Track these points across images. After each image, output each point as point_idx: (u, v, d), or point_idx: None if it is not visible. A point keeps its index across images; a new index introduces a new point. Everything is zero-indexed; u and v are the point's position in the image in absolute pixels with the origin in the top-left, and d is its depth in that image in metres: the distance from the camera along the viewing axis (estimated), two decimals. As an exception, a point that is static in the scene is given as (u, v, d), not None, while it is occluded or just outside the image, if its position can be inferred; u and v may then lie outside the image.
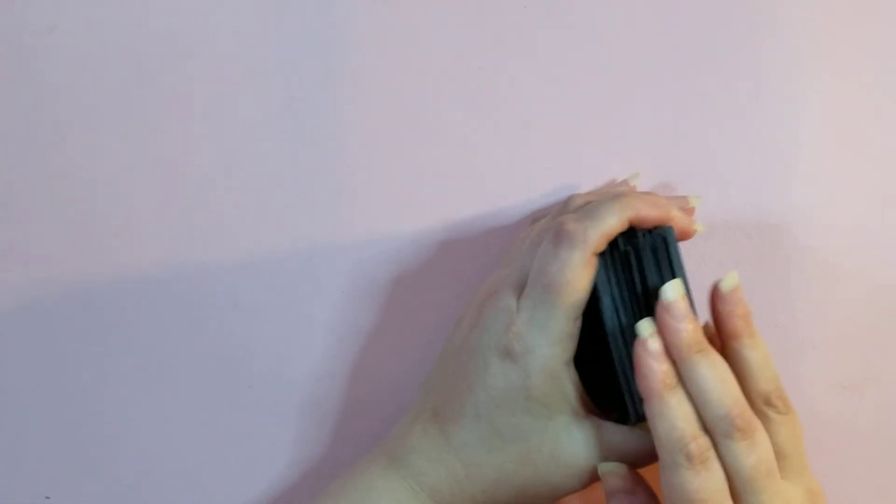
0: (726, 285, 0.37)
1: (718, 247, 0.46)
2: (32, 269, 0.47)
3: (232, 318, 0.47)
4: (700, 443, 0.35)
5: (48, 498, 0.47)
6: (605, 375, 0.39)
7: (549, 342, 0.37)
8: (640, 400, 0.37)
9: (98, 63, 0.46)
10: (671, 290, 0.36)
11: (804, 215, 0.46)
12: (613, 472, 0.38)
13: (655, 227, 0.39)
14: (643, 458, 0.39)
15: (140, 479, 0.47)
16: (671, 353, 0.36)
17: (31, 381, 0.47)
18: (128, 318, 0.47)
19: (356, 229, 0.47)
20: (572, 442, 0.38)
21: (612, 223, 0.37)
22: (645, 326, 0.36)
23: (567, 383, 0.38)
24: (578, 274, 0.37)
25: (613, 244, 0.38)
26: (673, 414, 0.35)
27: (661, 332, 0.36)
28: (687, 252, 0.46)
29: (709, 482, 0.35)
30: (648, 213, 0.38)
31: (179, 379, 0.47)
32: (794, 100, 0.46)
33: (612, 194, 0.39)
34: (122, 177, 0.47)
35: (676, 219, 0.39)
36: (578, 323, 0.38)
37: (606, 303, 0.38)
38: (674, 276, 0.38)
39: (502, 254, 0.45)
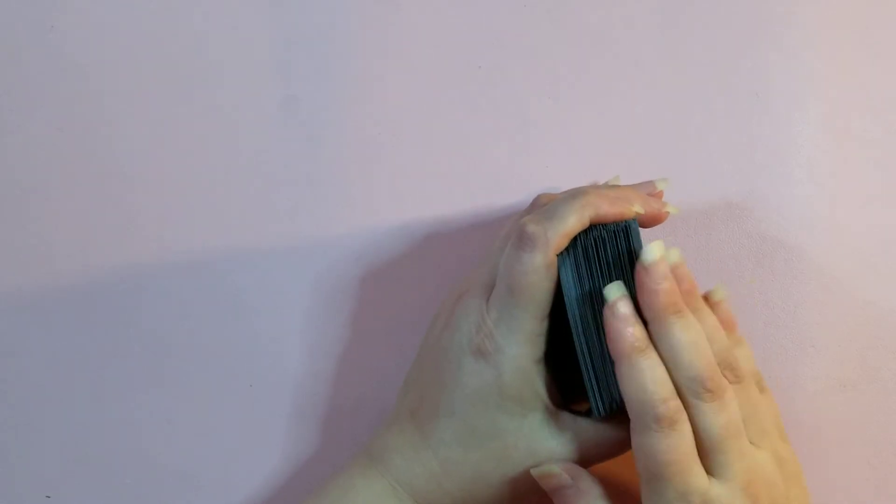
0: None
1: (718, 247, 0.46)
2: (32, 269, 0.47)
3: (232, 317, 0.47)
4: (670, 405, 0.35)
5: (48, 497, 0.47)
6: (576, 371, 0.39)
7: (518, 342, 0.37)
8: (605, 393, 0.37)
9: (98, 62, 0.46)
10: (651, 253, 0.36)
11: (804, 215, 0.46)
12: (546, 472, 0.38)
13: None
14: (618, 448, 0.39)
15: (140, 478, 0.47)
16: (645, 315, 0.36)
17: (30, 380, 0.47)
18: (127, 318, 0.47)
19: (356, 229, 0.47)
20: (547, 438, 0.39)
21: (571, 223, 0.38)
22: (613, 290, 0.37)
23: (538, 381, 0.38)
24: (540, 276, 0.37)
25: (575, 239, 0.38)
26: (643, 377, 0.36)
27: (639, 293, 0.36)
28: (687, 252, 0.46)
29: (677, 443, 0.35)
30: (608, 210, 0.38)
31: (179, 378, 0.47)
32: (795, 100, 0.46)
33: (573, 192, 0.39)
34: (122, 176, 0.47)
35: (644, 207, 0.39)
36: (546, 322, 0.38)
37: (569, 298, 0.38)
38: (632, 268, 0.38)
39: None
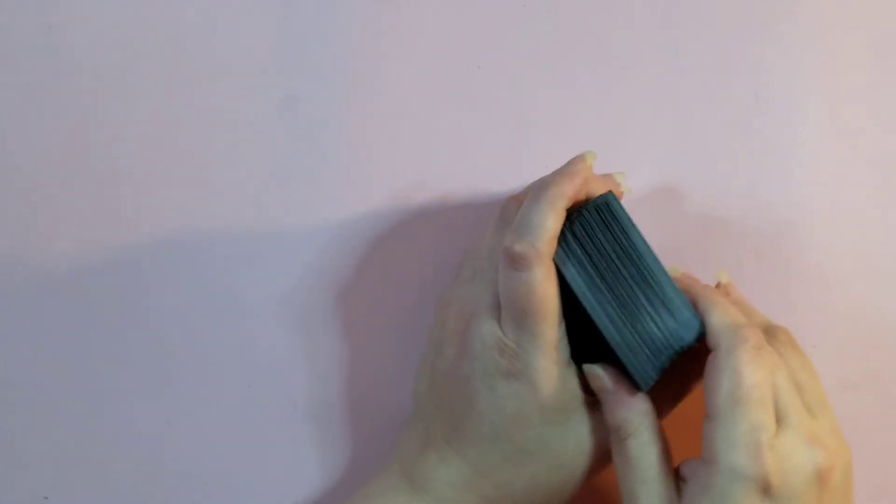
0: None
1: (718, 247, 0.46)
2: (31, 269, 0.47)
3: (230, 318, 0.47)
4: (756, 330, 0.36)
5: (46, 498, 0.47)
6: (601, 354, 0.39)
7: (545, 353, 0.38)
8: (646, 364, 0.38)
9: (97, 61, 0.46)
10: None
11: (804, 215, 0.46)
12: (592, 372, 0.39)
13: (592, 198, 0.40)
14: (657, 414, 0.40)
15: (139, 478, 0.47)
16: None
17: (30, 380, 0.47)
18: (126, 318, 0.47)
19: (356, 229, 0.47)
20: (593, 430, 0.39)
21: (551, 225, 0.38)
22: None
23: (573, 382, 0.39)
24: (546, 288, 0.37)
25: (562, 232, 0.39)
26: (725, 305, 0.38)
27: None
28: (687, 253, 0.46)
29: (765, 371, 0.35)
30: (576, 190, 0.39)
31: (178, 379, 0.47)
32: (795, 100, 0.46)
33: (536, 192, 0.39)
34: (122, 176, 0.47)
35: (601, 182, 0.40)
36: (563, 324, 0.39)
37: (580, 289, 0.38)
38: (627, 236, 0.38)
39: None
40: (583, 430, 0.39)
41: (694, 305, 0.38)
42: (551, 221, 0.38)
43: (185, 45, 0.46)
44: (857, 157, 0.46)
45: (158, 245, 0.47)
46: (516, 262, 0.37)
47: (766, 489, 0.34)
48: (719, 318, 0.37)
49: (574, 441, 0.39)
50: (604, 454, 0.39)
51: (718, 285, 0.42)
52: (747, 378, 0.35)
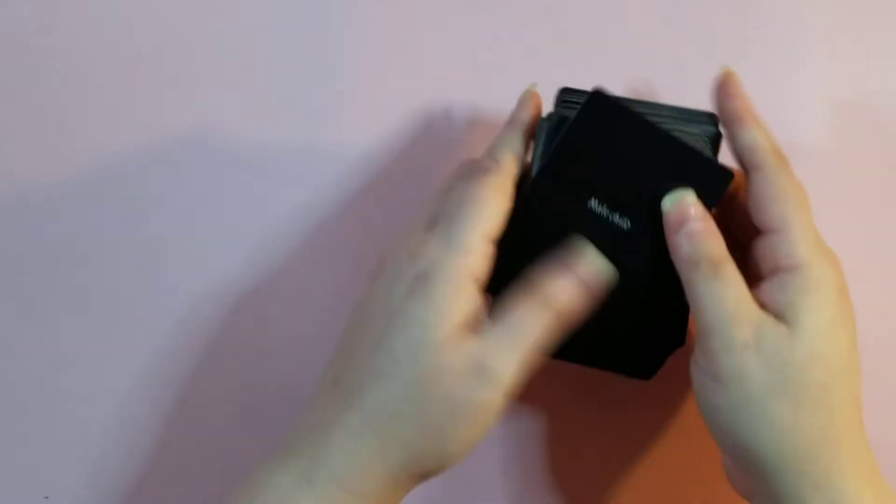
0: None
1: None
2: (34, 272, 0.47)
3: (232, 319, 0.47)
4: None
5: (47, 498, 0.47)
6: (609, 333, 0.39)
7: (457, 253, 0.35)
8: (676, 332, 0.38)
9: (97, 62, 0.46)
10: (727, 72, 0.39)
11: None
12: (683, 198, 0.37)
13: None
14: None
15: (140, 479, 0.47)
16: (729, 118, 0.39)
17: (30, 381, 0.47)
18: (127, 319, 0.47)
19: (357, 229, 0.47)
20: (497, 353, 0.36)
21: (516, 144, 0.39)
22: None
23: (470, 301, 0.36)
24: (492, 194, 0.37)
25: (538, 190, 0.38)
26: (761, 124, 0.38)
27: (722, 98, 0.39)
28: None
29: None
30: (533, 115, 0.40)
31: (178, 381, 0.47)
32: (794, 100, 0.46)
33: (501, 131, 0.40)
34: (121, 177, 0.47)
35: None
36: (492, 248, 0.36)
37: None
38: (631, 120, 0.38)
39: None
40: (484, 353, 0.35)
41: (733, 122, 0.38)
42: (517, 141, 0.39)
43: (184, 46, 0.46)
44: (857, 156, 0.46)
45: (155, 245, 0.47)
46: (473, 170, 0.37)
47: (842, 286, 0.36)
48: (763, 137, 0.38)
49: (473, 368, 0.35)
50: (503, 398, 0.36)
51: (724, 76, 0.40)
52: (801, 192, 0.37)
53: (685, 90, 0.42)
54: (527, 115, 0.40)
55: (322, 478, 0.35)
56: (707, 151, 0.39)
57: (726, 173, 0.38)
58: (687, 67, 0.46)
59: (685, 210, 0.37)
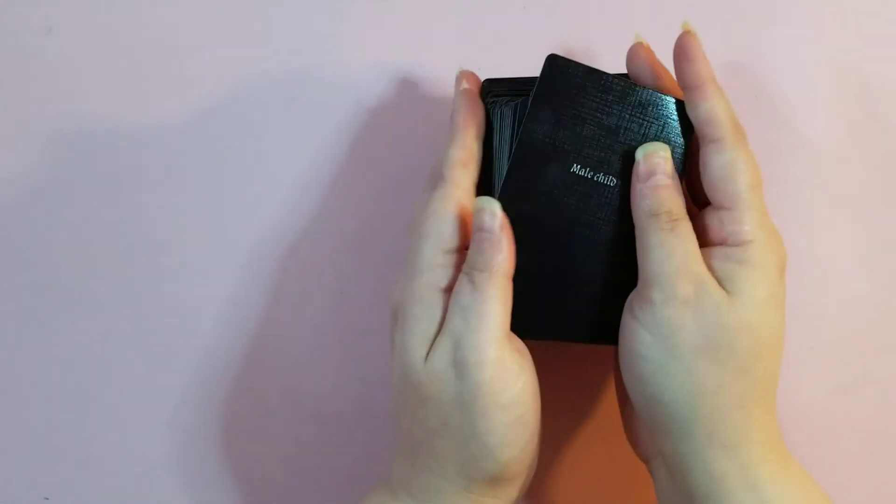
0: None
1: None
2: (33, 273, 0.47)
3: (232, 320, 0.47)
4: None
5: (47, 499, 0.47)
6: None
7: (418, 275, 0.37)
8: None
9: (97, 63, 0.46)
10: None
11: (803, 216, 0.46)
12: (655, 151, 0.38)
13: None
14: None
15: (140, 481, 0.47)
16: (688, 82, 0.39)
17: (30, 382, 0.47)
18: (127, 321, 0.47)
19: (356, 233, 0.47)
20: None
21: (459, 152, 0.40)
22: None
23: (436, 309, 0.37)
24: (439, 206, 0.38)
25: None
26: (722, 95, 0.38)
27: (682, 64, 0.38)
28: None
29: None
30: (474, 82, 0.41)
31: (178, 383, 0.47)
32: (794, 100, 0.46)
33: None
34: (121, 179, 0.47)
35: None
36: (451, 256, 0.38)
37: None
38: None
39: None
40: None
41: (691, 89, 0.38)
42: (458, 151, 0.40)
43: (183, 47, 0.46)
44: (857, 158, 0.46)
45: (156, 247, 0.47)
46: (433, 185, 0.39)
47: (782, 267, 0.38)
48: (721, 107, 0.38)
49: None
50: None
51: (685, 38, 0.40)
52: (755, 169, 0.37)
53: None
54: (469, 83, 0.41)
55: (406, 496, 0.38)
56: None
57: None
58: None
59: (656, 163, 0.37)
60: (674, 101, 0.39)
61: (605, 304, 0.39)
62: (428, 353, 0.37)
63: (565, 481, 0.47)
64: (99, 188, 0.47)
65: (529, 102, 0.38)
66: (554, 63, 0.38)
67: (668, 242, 0.36)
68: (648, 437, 0.39)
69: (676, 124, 0.39)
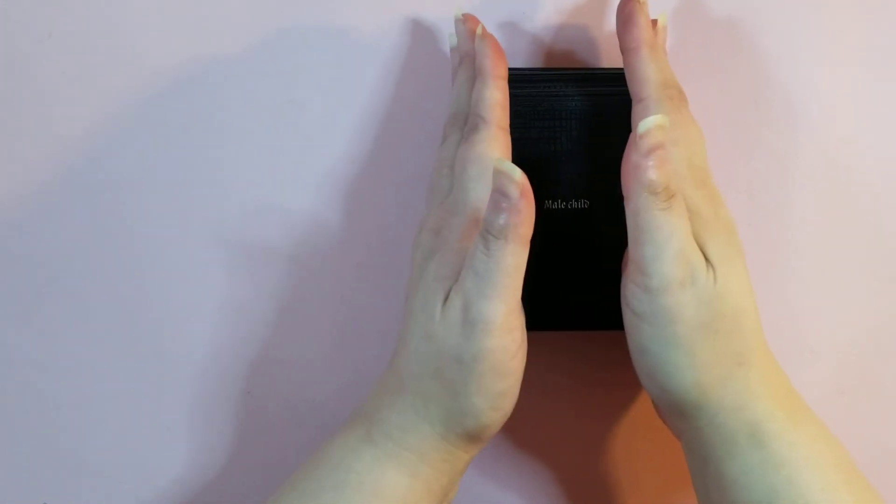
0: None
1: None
2: (31, 278, 0.47)
3: (232, 322, 0.47)
4: (678, 96, 0.40)
5: (46, 505, 0.47)
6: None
7: (463, 208, 0.39)
8: None
9: (96, 68, 0.46)
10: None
11: (803, 219, 0.46)
12: (658, 122, 0.36)
13: None
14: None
15: (139, 484, 0.47)
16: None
17: (30, 386, 0.47)
18: (126, 323, 0.47)
19: (357, 238, 0.47)
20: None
21: (495, 96, 0.40)
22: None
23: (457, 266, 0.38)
24: (489, 150, 0.39)
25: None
26: (661, 61, 0.39)
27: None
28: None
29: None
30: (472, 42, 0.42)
31: (178, 386, 0.47)
32: (794, 107, 0.46)
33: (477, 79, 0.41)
34: (122, 180, 0.46)
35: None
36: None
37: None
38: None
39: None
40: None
41: (628, 51, 0.39)
42: (498, 95, 0.40)
43: (183, 53, 0.46)
44: (856, 164, 0.46)
45: (155, 250, 0.47)
46: (467, 135, 0.40)
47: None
48: (655, 71, 0.39)
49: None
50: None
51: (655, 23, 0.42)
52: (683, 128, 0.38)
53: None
54: (495, 55, 0.41)
55: (381, 436, 0.38)
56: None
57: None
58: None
59: (660, 137, 0.36)
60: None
61: (605, 292, 0.40)
62: (446, 299, 0.37)
63: (608, 460, 0.47)
64: (98, 192, 0.46)
65: None
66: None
67: (667, 224, 0.35)
68: (668, 418, 0.40)
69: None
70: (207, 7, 0.46)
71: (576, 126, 0.41)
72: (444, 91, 0.46)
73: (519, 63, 0.46)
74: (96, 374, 0.47)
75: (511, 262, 0.36)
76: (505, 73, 0.41)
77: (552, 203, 0.41)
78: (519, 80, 0.42)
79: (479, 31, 0.41)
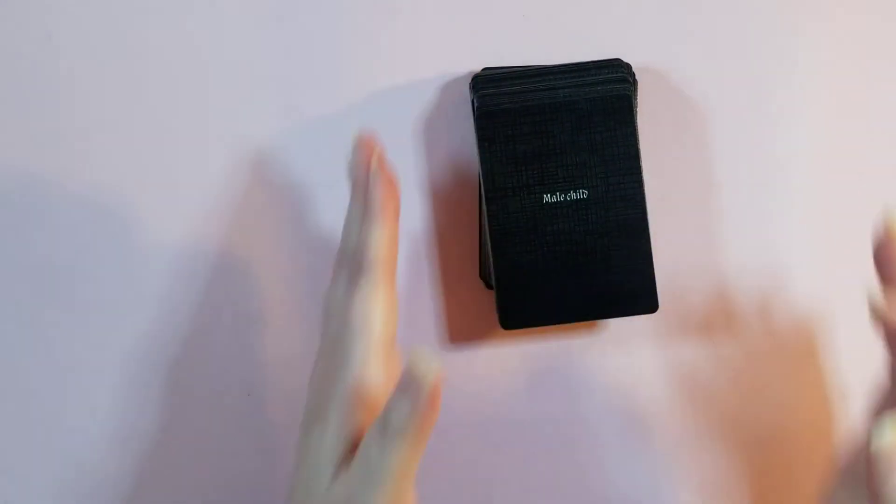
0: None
1: (717, 256, 0.46)
2: (28, 279, 0.47)
3: (231, 324, 0.47)
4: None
5: (46, 506, 0.47)
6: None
7: (345, 367, 0.37)
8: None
9: (96, 69, 0.46)
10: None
11: (803, 222, 0.46)
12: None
13: None
14: None
15: (138, 486, 0.47)
16: None
17: (29, 389, 0.47)
18: (125, 325, 0.47)
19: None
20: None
21: (381, 238, 0.38)
22: None
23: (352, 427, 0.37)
24: (373, 302, 0.38)
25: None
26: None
27: None
28: (688, 266, 0.46)
29: None
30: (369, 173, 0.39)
31: (178, 388, 0.47)
32: (795, 102, 0.46)
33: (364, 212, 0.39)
34: (122, 182, 0.47)
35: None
36: (386, 349, 0.37)
37: None
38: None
39: None
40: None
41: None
42: (386, 235, 0.38)
43: (183, 52, 0.46)
44: (854, 166, 0.46)
45: (155, 251, 0.47)
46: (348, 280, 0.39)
47: None
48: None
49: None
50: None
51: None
52: None
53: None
54: (386, 192, 0.39)
55: None
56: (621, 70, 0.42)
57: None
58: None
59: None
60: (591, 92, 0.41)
61: (613, 279, 0.41)
62: (333, 475, 0.36)
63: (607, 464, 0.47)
64: (98, 194, 0.46)
65: (479, 158, 0.41)
66: (483, 111, 0.41)
67: None
68: None
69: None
70: (207, 7, 0.46)
71: (567, 117, 0.41)
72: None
73: (518, 62, 0.46)
74: (96, 373, 0.47)
75: (407, 456, 0.34)
76: (396, 212, 0.39)
77: (550, 197, 0.41)
78: (507, 77, 0.42)
79: (373, 164, 0.39)
